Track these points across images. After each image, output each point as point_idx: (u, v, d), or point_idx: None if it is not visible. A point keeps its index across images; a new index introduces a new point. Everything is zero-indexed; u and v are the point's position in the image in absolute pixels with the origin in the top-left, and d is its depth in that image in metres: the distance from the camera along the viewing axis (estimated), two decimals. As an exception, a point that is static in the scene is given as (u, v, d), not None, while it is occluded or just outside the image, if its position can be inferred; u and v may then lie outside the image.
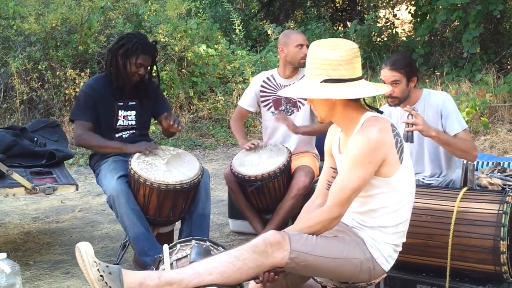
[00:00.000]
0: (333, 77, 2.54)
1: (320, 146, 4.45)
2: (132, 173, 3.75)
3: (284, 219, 4.25)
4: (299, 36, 4.47)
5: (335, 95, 2.52)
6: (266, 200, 4.32)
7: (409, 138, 3.45)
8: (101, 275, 2.41)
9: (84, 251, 2.44)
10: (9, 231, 5.11)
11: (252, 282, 2.74)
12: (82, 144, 4.18)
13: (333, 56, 2.53)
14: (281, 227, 4.06)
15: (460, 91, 8.57)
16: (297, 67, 4.46)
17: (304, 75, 4.42)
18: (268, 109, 4.59)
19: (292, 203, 4.20)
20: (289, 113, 4.52)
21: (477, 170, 4.34)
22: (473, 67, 10.29)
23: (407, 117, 3.52)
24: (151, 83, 4.27)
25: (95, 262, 2.43)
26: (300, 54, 4.39)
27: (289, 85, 4.42)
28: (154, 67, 4.23)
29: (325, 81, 2.54)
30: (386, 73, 3.66)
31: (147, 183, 3.70)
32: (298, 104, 4.49)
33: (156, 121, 4.40)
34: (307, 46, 4.37)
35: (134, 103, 4.16)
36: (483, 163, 4.61)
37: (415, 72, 3.72)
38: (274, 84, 4.56)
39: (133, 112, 4.17)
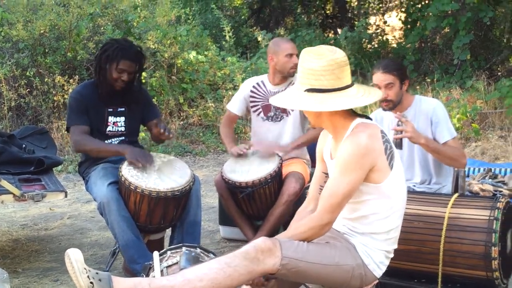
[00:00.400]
0: (315, 86, 2.55)
1: (312, 152, 4.45)
2: (122, 180, 3.72)
3: (275, 225, 4.24)
4: (288, 45, 4.44)
5: (311, 107, 2.55)
6: (257, 207, 4.30)
7: (397, 145, 3.45)
8: (91, 282, 2.39)
9: (74, 258, 2.42)
10: (-3, 238, 5.07)
11: (243, 289, 2.73)
12: (81, 149, 4.11)
13: (315, 65, 2.55)
14: (272, 233, 4.04)
15: (451, 97, 8.61)
16: (286, 76, 4.45)
17: (293, 82, 4.44)
18: (258, 114, 4.58)
19: (282, 209, 4.18)
20: (279, 119, 4.51)
21: (468, 176, 4.34)
22: (463, 74, 10.34)
23: (397, 123, 3.52)
24: (139, 89, 4.24)
25: (85, 269, 2.41)
26: (290, 64, 4.39)
27: (279, 91, 4.43)
28: (143, 74, 4.20)
29: (308, 90, 2.55)
30: (379, 76, 3.64)
31: (138, 190, 3.67)
32: (288, 110, 4.48)
33: (145, 128, 4.37)
34: (297, 55, 4.40)
35: (123, 109, 4.14)
36: (474, 169, 4.62)
37: (406, 75, 3.72)
38: (264, 91, 4.55)
39: (123, 118, 4.14)
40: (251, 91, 4.60)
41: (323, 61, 2.54)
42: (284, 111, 4.50)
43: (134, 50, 4.07)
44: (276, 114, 4.52)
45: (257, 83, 4.61)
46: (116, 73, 3.96)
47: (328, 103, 2.53)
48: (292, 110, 4.46)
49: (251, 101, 4.59)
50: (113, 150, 4.00)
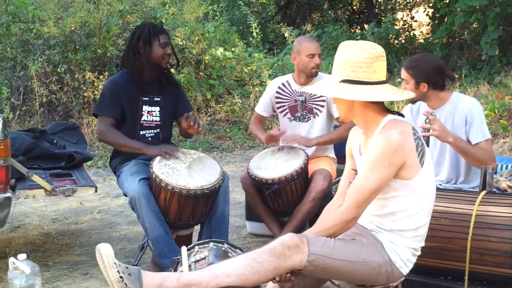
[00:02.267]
0: (352, 78, 2.55)
1: (338, 149, 4.47)
2: (153, 176, 3.76)
3: (301, 222, 4.25)
4: (311, 44, 4.43)
5: (347, 95, 2.54)
6: (283, 203, 4.33)
7: (424, 142, 3.43)
8: (120, 277, 2.43)
9: (105, 252, 2.47)
10: (28, 232, 5.16)
11: (269, 286, 2.75)
12: (104, 140, 4.18)
13: (354, 57, 2.55)
14: (298, 230, 4.05)
15: (479, 93, 8.51)
16: (309, 75, 4.46)
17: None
18: (285, 115, 4.60)
19: (310, 206, 4.20)
20: (306, 120, 4.52)
21: (496, 173, 4.30)
22: (491, 70, 10.21)
23: (425, 121, 3.49)
24: (174, 81, 4.31)
25: (115, 263, 2.45)
26: (311, 64, 4.39)
27: (304, 92, 4.45)
28: (172, 70, 4.26)
29: (343, 81, 2.56)
30: (402, 69, 3.66)
31: (168, 187, 3.71)
32: (315, 110, 4.49)
33: (175, 122, 4.40)
34: (320, 56, 4.40)
35: (159, 99, 4.17)
36: (502, 166, 4.57)
37: (427, 78, 3.59)
38: (289, 91, 4.56)
39: (157, 108, 4.16)
40: (277, 92, 4.61)
41: (362, 53, 2.55)
42: (311, 111, 4.50)
43: (161, 25, 4.16)
44: (303, 114, 4.52)
45: (283, 83, 4.62)
46: (161, 49, 4.02)
47: (363, 94, 2.53)
48: (320, 112, 4.47)
49: (277, 102, 4.61)
50: (135, 146, 4.01)
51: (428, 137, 3.44)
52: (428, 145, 3.46)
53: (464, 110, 3.60)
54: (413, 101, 3.74)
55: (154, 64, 4.06)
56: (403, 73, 3.65)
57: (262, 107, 4.70)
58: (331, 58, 10.19)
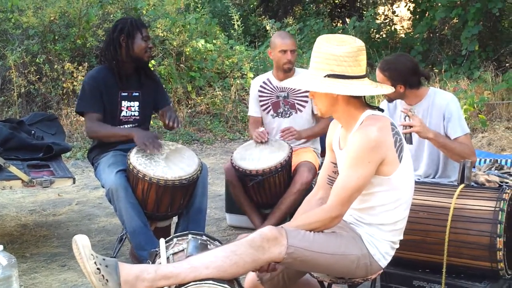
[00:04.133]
0: (337, 72, 2.53)
1: (323, 142, 4.49)
2: (131, 168, 3.74)
3: (285, 213, 4.27)
4: (284, 41, 4.45)
5: (337, 90, 2.52)
6: (265, 195, 4.33)
7: (406, 139, 3.45)
8: (98, 268, 2.40)
9: (81, 243, 2.44)
10: (6, 223, 5.11)
11: (248, 277, 2.75)
12: (93, 135, 4.16)
13: (339, 51, 2.53)
14: (281, 222, 4.06)
15: (458, 88, 8.59)
16: (283, 71, 4.46)
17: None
18: (268, 112, 4.61)
19: (294, 198, 4.21)
20: (287, 115, 4.53)
21: (474, 167, 4.34)
22: (471, 65, 10.31)
23: (404, 118, 3.51)
24: (152, 74, 4.30)
25: (92, 255, 2.43)
26: (283, 60, 4.42)
27: (285, 87, 4.46)
28: (152, 61, 4.24)
29: (328, 76, 2.54)
30: (377, 70, 3.67)
31: (146, 178, 3.69)
32: (297, 106, 4.51)
33: (154, 115, 4.38)
34: (292, 51, 4.40)
35: (138, 94, 4.15)
36: (480, 160, 4.62)
37: (403, 79, 3.60)
38: (271, 88, 4.59)
39: (137, 103, 4.15)
40: (259, 90, 4.63)
41: (347, 47, 2.53)
42: (293, 107, 4.52)
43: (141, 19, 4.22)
44: (285, 110, 4.53)
45: (264, 82, 4.64)
46: (143, 42, 4.02)
47: (351, 88, 2.52)
48: (304, 107, 4.48)
49: (260, 100, 4.62)
50: (122, 133, 4.01)
51: (410, 133, 3.45)
52: (411, 142, 3.49)
53: (442, 105, 3.62)
54: (390, 100, 3.76)
55: (135, 57, 4.04)
56: (379, 75, 3.64)
57: (254, 109, 4.71)
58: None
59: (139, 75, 4.16)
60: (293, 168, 4.38)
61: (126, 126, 4.13)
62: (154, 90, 4.24)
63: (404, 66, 3.62)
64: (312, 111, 4.51)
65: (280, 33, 4.67)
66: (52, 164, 4.47)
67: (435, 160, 3.73)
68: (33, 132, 4.84)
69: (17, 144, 4.52)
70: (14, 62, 8.59)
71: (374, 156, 2.50)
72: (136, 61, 4.07)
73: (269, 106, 4.59)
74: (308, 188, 4.21)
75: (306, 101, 4.47)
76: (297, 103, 4.50)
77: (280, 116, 4.57)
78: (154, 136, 3.92)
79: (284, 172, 4.26)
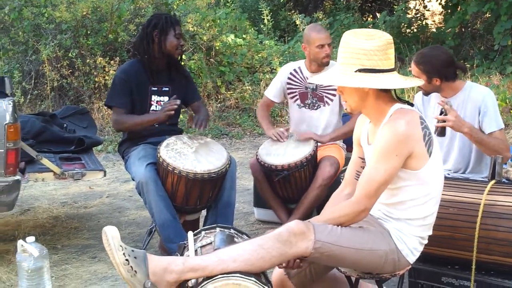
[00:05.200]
0: (367, 67, 2.52)
1: (347, 137, 4.45)
2: (161, 161, 3.78)
3: (308, 209, 4.26)
4: (320, 35, 4.40)
5: (370, 84, 2.51)
6: (291, 190, 4.33)
7: (439, 132, 3.42)
8: (126, 259, 2.43)
9: (111, 235, 2.47)
10: (38, 215, 5.20)
11: (276, 270, 2.76)
12: (120, 127, 4.23)
13: (368, 46, 2.52)
14: (305, 217, 4.05)
15: (491, 83, 8.46)
16: (320, 65, 4.44)
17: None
18: (295, 101, 4.58)
19: (317, 193, 4.20)
20: (315, 108, 4.50)
21: (506, 163, 4.28)
22: (504, 60, 10.14)
23: (441, 110, 3.47)
24: (183, 69, 4.34)
25: (121, 246, 2.46)
26: (322, 54, 4.39)
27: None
28: (183, 56, 4.29)
29: (359, 70, 2.52)
30: (412, 63, 3.64)
31: (175, 171, 3.72)
32: (325, 99, 4.48)
33: (184, 110, 4.42)
34: (329, 45, 4.37)
35: (168, 88, 4.19)
36: (512, 156, 4.54)
37: (439, 72, 3.57)
38: (301, 77, 4.55)
39: (166, 98, 4.18)
40: (289, 78, 4.59)
41: (376, 41, 2.52)
42: (322, 100, 4.49)
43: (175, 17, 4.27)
44: (313, 102, 4.51)
45: (295, 69, 4.59)
46: (176, 40, 4.08)
47: (384, 82, 2.51)
48: (331, 100, 4.45)
49: (288, 88, 4.59)
50: (149, 119, 4.08)
51: (444, 127, 3.42)
52: (444, 135, 3.45)
53: (478, 99, 3.57)
54: (426, 93, 3.71)
55: (167, 53, 4.10)
56: (414, 69, 3.61)
57: (273, 92, 4.68)
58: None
59: (169, 70, 4.21)
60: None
61: None
62: (184, 86, 4.28)
63: (439, 59, 3.58)
64: (340, 105, 4.46)
65: (315, 26, 4.61)
66: (84, 157, 4.54)
67: (467, 154, 3.68)
68: (65, 125, 4.92)
69: (50, 137, 4.60)
70: (47, 56, 8.71)
71: (402, 149, 2.49)
72: (167, 57, 4.12)
73: (296, 95, 4.57)
74: (331, 183, 4.20)
75: (334, 95, 4.44)
76: (326, 96, 4.48)
77: (307, 108, 4.54)
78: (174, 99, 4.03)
79: (310, 167, 4.26)
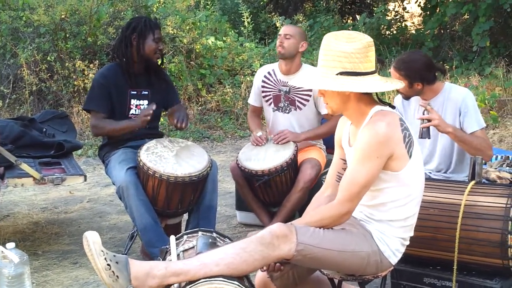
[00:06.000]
0: (349, 69, 2.52)
1: (327, 139, 4.46)
2: (141, 164, 3.76)
3: (290, 212, 4.25)
4: (283, 27, 4.52)
5: (352, 88, 2.50)
6: (273, 194, 4.32)
7: (424, 134, 3.44)
8: (108, 264, 2.41)
9: (92, 240, 2.45)
10: (18, 221, 5.14)
11: (259, 273, 2.75)
12: (98, 132, 4.20)
13: (349, 48, 2.51)
14: (288, 219, 4.06)
15: (469, 84, 8.53)
16: (278, 57, 4.48)
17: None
18: (269, 104, 4.57)
19: (299, 196, 4.20)
20: (287, 111, 4.47)
21: (485, 164, 4.32)
22: (482, 61, 10.24)
23: (423, 112, 3.49)
24: (162, 73, 4.31)
25: (102, 251, 2.44)
26: (278, 43, 4.44)
27: (288, 81, 4.43)
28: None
29: (341, 73, 2.53)
30: (391, 69, 3.66)
31: (156, 175, 3.71)
32: (297, 103, 4.44)
33: (164, 113, 4.39)
34: (286, 36, 4.38)
35: (147, 92, 4.17)
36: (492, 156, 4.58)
37: (420, 77, 3.60)
38: (274, 80, 4.54)
39: (146, 102, 4.16)
40: (263, 81, 4.59)
41: (357, 43, 2.52)
42: (293, 103, 4.45)
43: (155, 20, 4.24)
44: (285, 105, 4.48)
45: (268, 72, 4.59)
46: (154, 43, 4.05)
47: (365, 85, 2.51)
48: (304, 105, 4.42)
49: (263, 91, 4.58)
50: (130, 125, 4.03)
51: (428, 127, 3.45)
52: (429, 136, 3.48)
53: (457, 100, 3.61)
54: (407, 97, 3.74)
55: (145, 57, 4.08)
56: (395, 75, 3.62)
57: (253, 98, 4.69)
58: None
59: (149, 74, 4.18)
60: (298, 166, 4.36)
61: None
62: (164, 90, 4.26)
63: (419, 63, 3.61)
64: (318, 110, 4.45)
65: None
66: (64, 161, 4.50)
67: (449, 154, 3.73)
68: (44, 129, 4.87)
69: (29, 141, 4.55)
70: (25, 60, 8.63)
71: (382, 151, 2.49)
72: (145, 61, 4.09)
73: (270, 98, 4.55)
74: (313, 185, 4.20)
75: (308, 100, 4.42)
76: (298, 100, 4.44)
77: (280, 111, 4.51)
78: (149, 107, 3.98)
79: (290, 170, 4.24)
